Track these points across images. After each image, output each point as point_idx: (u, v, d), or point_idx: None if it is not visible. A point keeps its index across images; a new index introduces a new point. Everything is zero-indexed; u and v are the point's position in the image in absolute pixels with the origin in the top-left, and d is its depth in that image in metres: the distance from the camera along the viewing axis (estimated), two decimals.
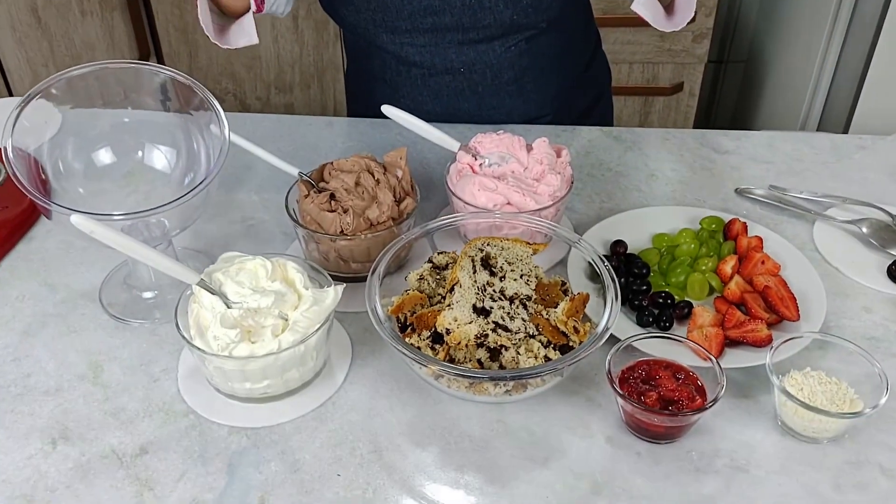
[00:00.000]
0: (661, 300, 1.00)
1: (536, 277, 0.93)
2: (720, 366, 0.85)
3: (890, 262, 1.08)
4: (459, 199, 1.06)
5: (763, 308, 0.98)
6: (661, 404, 0.84)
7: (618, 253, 1.08)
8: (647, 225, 1.13)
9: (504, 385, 0.83)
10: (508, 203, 1.04)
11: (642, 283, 1.03)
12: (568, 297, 0.90)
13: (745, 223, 1.10)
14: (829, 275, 1.08)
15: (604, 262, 0.92)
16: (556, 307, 0.89)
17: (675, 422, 0.83)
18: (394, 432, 0.88)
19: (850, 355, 0.89)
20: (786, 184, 1.24)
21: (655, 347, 0.89)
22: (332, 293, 0.89)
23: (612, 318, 0.86)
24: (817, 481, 0.83)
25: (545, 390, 0.88)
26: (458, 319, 0.84)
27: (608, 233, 1.11)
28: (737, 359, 0.92)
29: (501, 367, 0.86)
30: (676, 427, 0.84)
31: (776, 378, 0.85)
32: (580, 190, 1.23)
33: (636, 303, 1.00)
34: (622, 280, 1.02)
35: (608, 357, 0.86)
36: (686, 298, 1.02)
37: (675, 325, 0.99)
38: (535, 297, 0.89)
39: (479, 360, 0.86)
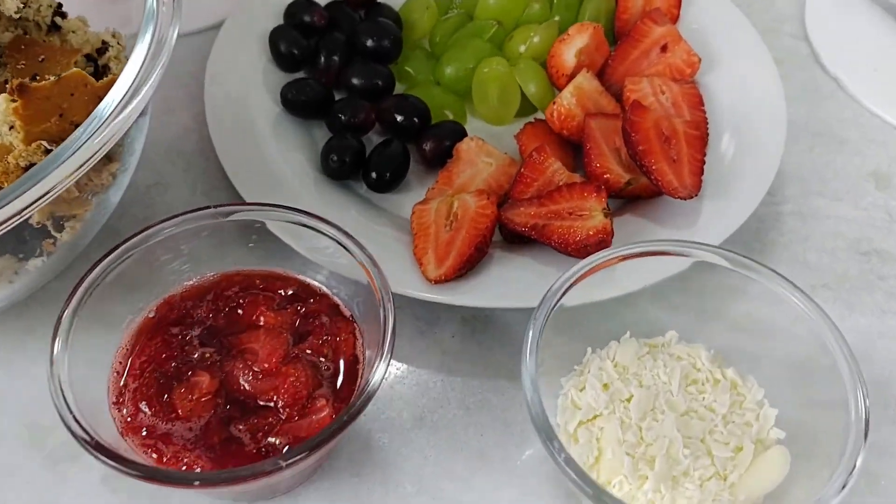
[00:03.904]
0: (400, 114, 0.43)
1: None
2: (387, 304, 0.30)
3: None
4: None
5: (622, 162, 0.41)
6: (217, 418, 0.30)
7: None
8: None
9: None
10: None
11: (375, 76, 0.45)
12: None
13: None
14: (818, 82, 0.49)
15: None
16: None
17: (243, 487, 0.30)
18: None
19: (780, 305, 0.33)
20: None
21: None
22: None
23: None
24: None
25: None
26: None
27: None
28: (514, 286, 0.37)
29: None
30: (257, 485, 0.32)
31: (530, 375, 0.30)
32: None
33: (352, 118, 0.43)
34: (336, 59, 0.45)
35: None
36: (471, 117, 0.45)
37: (409, 176, 0.43)
38: None
39: None
